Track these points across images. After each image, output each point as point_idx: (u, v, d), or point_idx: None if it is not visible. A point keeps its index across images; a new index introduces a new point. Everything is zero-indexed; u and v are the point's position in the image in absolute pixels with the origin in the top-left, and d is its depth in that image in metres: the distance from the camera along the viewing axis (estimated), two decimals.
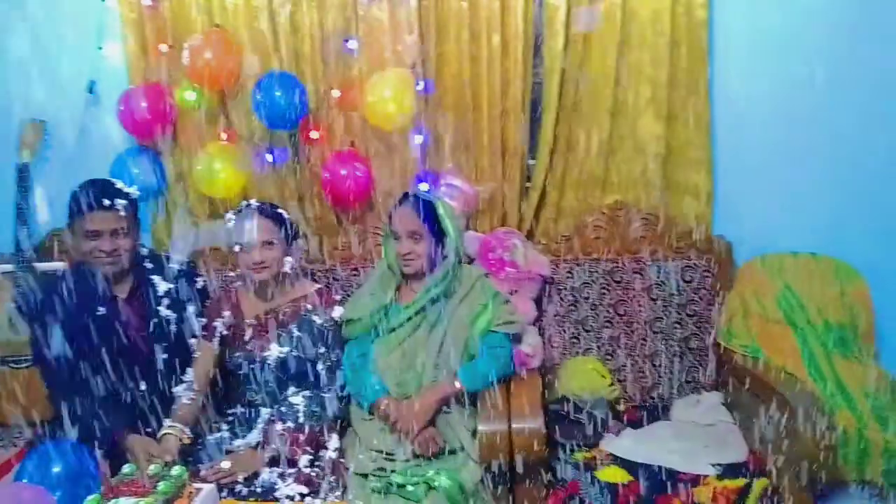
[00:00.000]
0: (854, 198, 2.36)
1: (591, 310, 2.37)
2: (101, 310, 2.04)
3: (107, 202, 2.01)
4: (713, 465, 1.86)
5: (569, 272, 2.39)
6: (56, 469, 1.73)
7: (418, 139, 2.40)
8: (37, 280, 2.35)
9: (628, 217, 2.41)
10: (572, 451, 2.00)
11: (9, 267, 2.44)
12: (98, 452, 1.83)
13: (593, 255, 2.40)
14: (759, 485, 1.78)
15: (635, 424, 2.16)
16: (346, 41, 2.38)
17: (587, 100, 2.38)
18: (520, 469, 1.78)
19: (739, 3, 2.32)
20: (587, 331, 2.37)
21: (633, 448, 1.98)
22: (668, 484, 1.81)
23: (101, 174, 2.24)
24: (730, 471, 1.84)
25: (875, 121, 2.32)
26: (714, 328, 2.29)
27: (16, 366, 2.34)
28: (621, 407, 2.26)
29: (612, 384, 2.24)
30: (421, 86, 2.37)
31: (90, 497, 1.49)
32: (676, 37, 2.30)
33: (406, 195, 2.11)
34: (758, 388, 1.98)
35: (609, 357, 2.35)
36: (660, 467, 1.87)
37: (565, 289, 2.38)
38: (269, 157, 2.47)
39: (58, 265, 2.38)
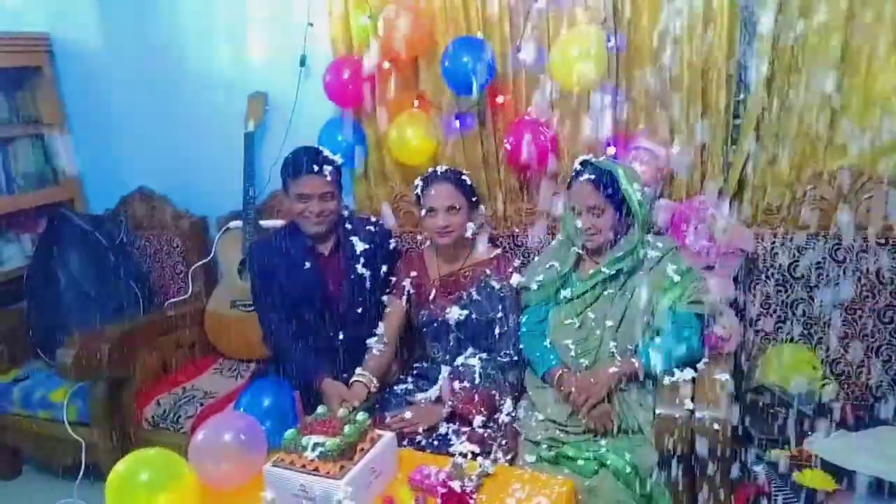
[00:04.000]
0: None
1: (805, 292, 2.08)
2: (308, 265, 2.26)
3: (316, 168, 2.19)
4: None
5: (778, 248, 2.11)
6: (266, 403, 1.97)
7: (607, 100, 2.26)
8: (258, 236, 2.68)
9: (858, 186, 2.05)
10: (767, 447, 1.80)
11: (238, 223, 2.80)
12: (298, 392, 2.04)
13: (809, 230, 2.09)
14: None
15: (850, 426, 1.87)
16: (534, 1, 2.30)
17: (811, 43, 2.05)
18: (701, 459, 1.65)
19: None
20: (798, 316, 2.09)
21: (844, 453, 1.72)
22: (887, 499, 1.55)
23: (310, 142, 2.45)
24: None
25: None
26: None
27: (244, 309, 2.69)
28: (834, 404, 1.97)
29: (824, 377, 1.96)
30: (612, 42, 2.22)
31: (289, 431, 1.67)
32: None
33: (584, 164, 2.00)
34: None
35: (823, 347, 2.05)
36: (878, 479, 1.61)
37: (773, 267, 2.12)
38: (457, 124, 2.51)
39: (277, 223, 2.68)
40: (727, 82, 2.14)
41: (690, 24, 2.13)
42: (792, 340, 2.09)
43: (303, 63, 2.74)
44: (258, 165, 2.84)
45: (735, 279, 2.10)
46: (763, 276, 2.13)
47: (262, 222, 2.78)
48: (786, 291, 2.10)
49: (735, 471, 1.69)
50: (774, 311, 2.11)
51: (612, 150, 2.24)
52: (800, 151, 2.14)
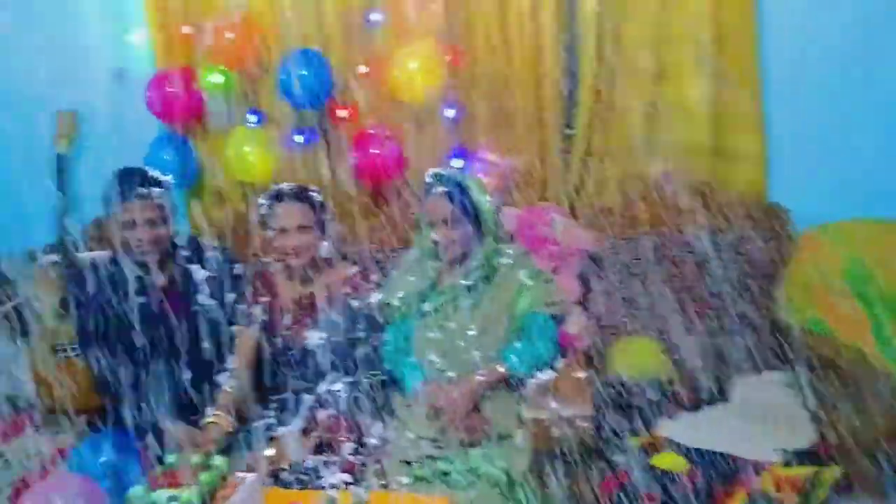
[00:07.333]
0: None
1: (641, 286, 2.25)
2: (142, 299, 2.04)
3: (142, 191, 1.99)
4: (778, 451, 1.74)
5: (615, 247, 2.27)
6: (104, 459, 1.74)
7: (449, 113, 2.30)
8: (80, 270, 2.36)
9: (676, 187, 2.27)
10: (625, 436, 1.91)
11: (54, 257, 2.45)
12: (143, 442, 1.83)
13: (641, 229, 2.28)
14: (829, 473, 1.65)
15: (692, 407, 2.04)
16: (369, 14, 2.28)
17: (628, 62, 2.25)
18: (569, 456, 1.71)
19: None
20: (638, 309, 2.25)
21: (690, 433, 1.88)
22: (730, 471, 1.71)
23: (135, 162, 2.22)
24: (797, 457, 1.72)
25: None
26: (774, 303, 2.15)
27: (66, 354, 2.36)
28: (677, 389, 2.14)
29: (666, 365, 2.13)
30: (449, 56, 2.26)
31: (134, 488, 1.49)
32: None
33: (436, 177, 2.01)
34: (824, 367, 1.85)
35: (662, 336, 2.23)
36: (720, 453, 1.77)
37: (612, 265, 2.27)
38: (299, 139, 2.41)
39: (100, 254, 2.38)
40: (559, 98, 2.28)
41: (522, 42, 2.24)
42: (635, 332, 2.24)
43: (120, 77, 2.48)
44: (75, 191, 2.52)
45: (580, 278, 2.23)
46: (604, 274, 2.27)
47: (81, 255, 2.46)
48: (625, 287, 2.26)
49: (601, 463, 1.77)
50: (617, 307, 2.26)
51: (458, 163, 2.28)
52: (625, 158, 2.32)
